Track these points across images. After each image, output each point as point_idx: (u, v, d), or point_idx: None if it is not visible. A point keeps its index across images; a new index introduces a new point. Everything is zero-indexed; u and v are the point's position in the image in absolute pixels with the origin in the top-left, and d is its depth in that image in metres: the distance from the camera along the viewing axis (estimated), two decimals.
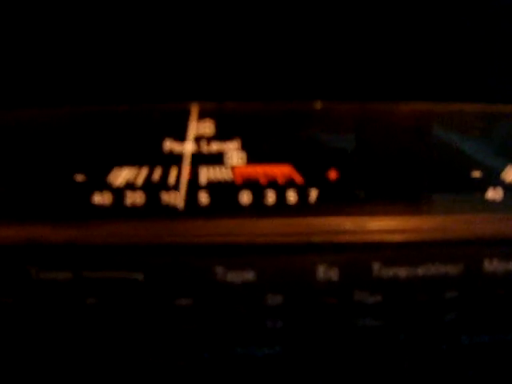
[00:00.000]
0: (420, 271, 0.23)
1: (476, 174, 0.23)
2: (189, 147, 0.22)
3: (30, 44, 0.20)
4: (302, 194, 0.23)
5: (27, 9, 0.20)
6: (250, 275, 0.22)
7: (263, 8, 0.20)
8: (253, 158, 0.22)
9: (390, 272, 0.23)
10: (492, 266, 0.23)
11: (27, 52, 0.21)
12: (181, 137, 0.22)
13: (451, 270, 0.23)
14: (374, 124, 0.22)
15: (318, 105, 0.22)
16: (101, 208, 0.23)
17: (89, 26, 0.20)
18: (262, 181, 0.22)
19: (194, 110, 0.22)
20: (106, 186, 0.23)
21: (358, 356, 0.23)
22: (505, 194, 0.23)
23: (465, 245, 0.23)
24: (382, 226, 0.23)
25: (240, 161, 0.22)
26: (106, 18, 0.20)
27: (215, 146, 0.22)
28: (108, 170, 0.22)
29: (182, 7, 0.20)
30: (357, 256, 0.22)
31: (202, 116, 0.22)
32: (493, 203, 0.23)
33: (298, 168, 0.22)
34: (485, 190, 0.23)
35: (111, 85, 0.21)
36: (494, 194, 0.23)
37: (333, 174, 0.22)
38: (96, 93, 0.21)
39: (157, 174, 0.22)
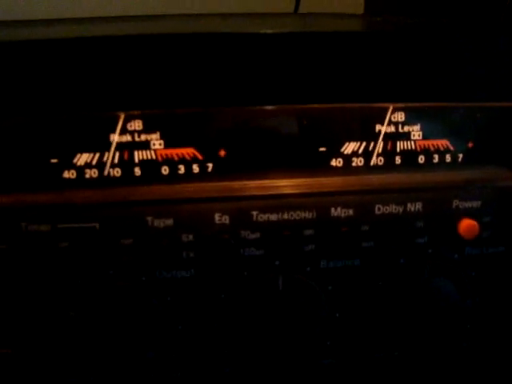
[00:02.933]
0: (285, 216, 0.32)
1: (322, 148, 0.33)
2: (125, 138, 0.31)
3: None
4: (202, 166, 0.31)
5: None
6: (170, 221, 0.31)
7: None
8: (168, 144, 0.31)
9: (264, 217, 0.32)
10: (336, 212, 0.33)
11: None
12: (120, 131, 0.30)
13: (308, 215, 0.33)
14: (249, 122, 0.32)
15: (213, 110, 0.31)
16: (68, 180, 0.31)
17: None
18: (175, 158, 0.31)
19: (128, 115, 0.30)
20: (71, 166, 0.31)
21: (242, 276, 0.33)
22: (343, 162, 0.34)
23: (316, 197, 0.33)
24: (257, 184, 0.32)
25: (160, 146, 0.31)
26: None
27: (143, 137, 0.31)
28: (73, 155, 0.31)
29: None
30: (239, 207, 0.32)
31: (134, 118, 0.31)
32: (335, 168, 0.33)
33: (199, 149, 0.31)
34: (330, 160, 0.33)
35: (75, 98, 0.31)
36: (335, 162, 0.33)
37: (222, 152, 0.32)
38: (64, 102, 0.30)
39: (105, 157, 0.31)
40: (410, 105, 0.32)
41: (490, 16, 0.50)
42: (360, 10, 0.69)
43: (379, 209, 0.33)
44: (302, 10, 0.71)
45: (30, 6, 0.69)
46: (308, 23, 0.52)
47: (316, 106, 0.31)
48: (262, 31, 0.29)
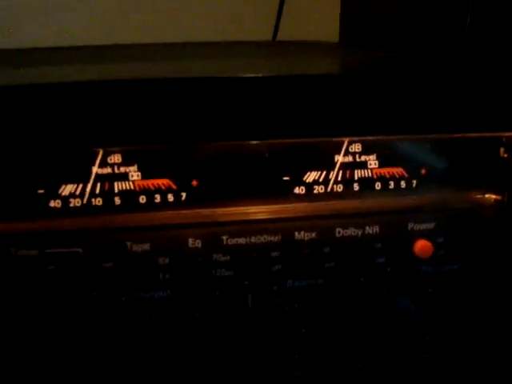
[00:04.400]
0: (253, 239, 0.35)
1: (286, 177, 0.36)
2: (106, 170, 0.33)
3: None
4: (177, 196, 0.34)
5: None
6: (147, 246, 0.34)
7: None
8: (145, 175, 0.34)
9: (234, 241, 0.35)
10: (300, 235, 0.36)
11: None
12: (100, 164, 0.33)
13: (274, 238, 0.36)
14: (219, 155, 0.35)
15: (186, 145, 0.34)
16: (54, 209, 0.33)
17: None
18: (152, 188, 0.34)
19: (108, 150, 0.33)
20: (57, 196, 0.33)
21: (214, 295, 0.35)
22: (306, 189, 0.37)
23: (281, 222, 0.36)
24: (227, 211, 0.35)
25: (137, 177, 0.34)
26: None
27: (122, 169, 0.33)
28: (59, 186, 0.33)
29: None
30: (210, 232, 0.35)
31: (114, 152, 0.33)
32: (298, 195, 0.36)
33: (173, 180, 0.34)
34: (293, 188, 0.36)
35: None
36: (298, 190, 0.36)
37: (195, 183, 0.35)
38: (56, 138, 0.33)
39: (88, 187, 0.33)
40: (363, 138, 0.35)
41: (450, 46, 0.54)
42: (335, 39, 0.73)
43: (339, 232, 0.36)
44: (280, 36, 0.74)
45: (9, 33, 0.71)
46: (282, 54, 0.55)
47: (280, 140, 0.35)
48: (234, 75, 0.32)
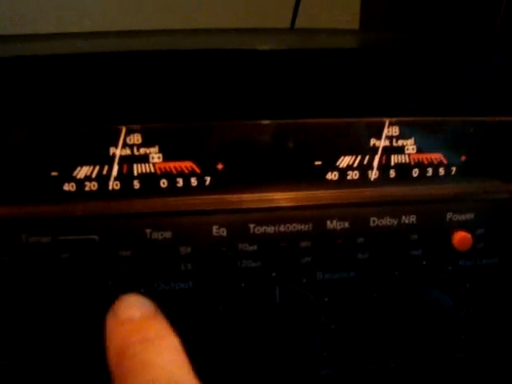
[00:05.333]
0: (282, 228, 0.33)
1: (318, 162, 0.34)
2: (125, 151, 0.31)
3: None
4: (200, 180, 0.32)
5: None
6: (168, 234, 0.32)
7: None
8: (167, 157, 0.32)
9: (261, 229, 0.33)
10: (332, 224, 0.34)
11: None
12: (120, 145, 0.31)
13: (304, 227, 0.33)
14: (247, 136, 0.33)
15: (212, 124, 0.32)
16: (68, 193, 0.31)
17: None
18: (174, 171, 0.32)
19: (127, 129, 0.31)
20: (71, 179, 0.31)
21: (240, 288, 0.33)
22: (339, 175, 0.34)
23: (312, 209, 0.33)
24: (254, 197, 0.32)
25: (158, 159, 0.32)
26: None
27: (142, 150, 0.31)
28: (73, 168, 0.31)
29: None
30: (236, 219, 0.32)
31: (133, 132, 0.31)
32: (331, 181, 0.34)
33: (197, 163, 0.32)
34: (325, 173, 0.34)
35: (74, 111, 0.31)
36: (331, 175, 0.34)
37: (220, 166, 0.32)
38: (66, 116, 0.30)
39: (105, 170, 0.31)
40: (404, 119, 0.33)
41: (483, 31, 0.51)
42: (355, 26, 0.70)
43: (374, 221, 0.34)
44: (298, 25, 0.72)
45: (32, 20, 0.70)
46: (305, 39, 0.53)
47: (312, 120, 0.32)
48: (261, 48, 0.30)
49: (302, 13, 0.72)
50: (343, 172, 0.34)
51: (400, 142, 0.34)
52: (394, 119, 0.33)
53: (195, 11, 0.75)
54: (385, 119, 0.33)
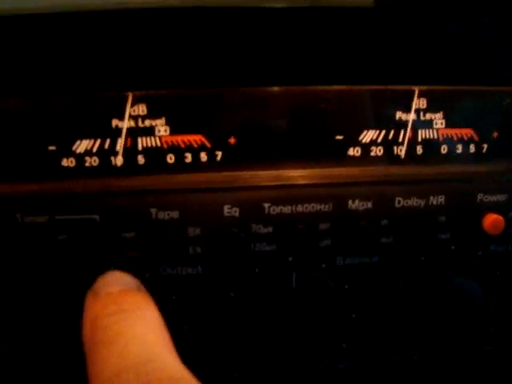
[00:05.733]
0: (300, 208, 0.30)
1: (339, 137, 0.31)
2: (128, 123, 0.29)
3: None
4: (211, 155, 0.30)
5: None
6: (175, 214, 0.29)
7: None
8: (174, 130, 0.29)
9: (277, 209, 0.30)
10: (354, 204, 0.32)
11: None
12: (123, 116, 0.29)
13: (323, 207, 0.31)
14: (262, 106, 0.30)
15: (224, 90, 0.29)
16: (67, 169, 0.29)
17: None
18: (182, 146, 0.29)
19: (131, 97, 0.29)
20: (71, 153, 0.29)
21: (253, 273, 0.31)
22: (362, 151, 0.32)
23: (332, 188, 0.30)
24: (269, 175, 0.30)
25: (165, 132, 0.29)
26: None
27: (148, 122, 0.29)
28: (72, 142, 0.29)
29: None
30: (250, 198, 0.30)
31: (138, 101, 0.29)
32: (353, 158, 0.31)
33: (207, 136, 0.30)
34: (347, 149, 0.31)
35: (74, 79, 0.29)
36: (353, 151, 0.31)
37: (232, 140, 0.30)
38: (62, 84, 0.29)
39: (107, 144, 0.29)
40: (434, 88, 0.30)
41: None
42: (369, 3, 0.67)
43: (399, 202, 0.31)
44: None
45: None
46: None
47: (333, 88, 0.29)
48: (277, 5, 0.27)
49: None
50: (366, 148, 0.31)
51: (428, 116, 0.31)
52: (423, 87, 0.30)
53: None
54: (414, 87, 0.30)
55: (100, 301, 0.21)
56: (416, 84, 0.30)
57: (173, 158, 0.30)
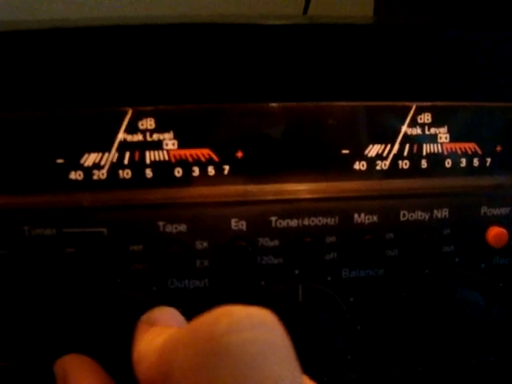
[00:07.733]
0: (306, 222, 0.31)
1: (345, 151, 0.31)
2: (136, 137, 0.29)
3: None
4: (218, 168, 0.30)
5: None
6: (183, 227, 0.29)
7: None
8: (182, 144, 0.29)
9: (284, 223, 0.30)
10: (359, 218, 0.32)
11: None
12: (130, 130, 0.29)
13: (329, 221, 0.31)
14: (269, 121, 0.30)
15: (231, 106, 0.30)
16: (75, 182, 0.29)
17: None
18: (189, 159, 0.30)
19: (139, 111, 0.29)
20: (78, 167, 0.29)
21: (259, 286, 0.31)
22: (367, 165, 0.32)
23: (339, 202, 0.31)
24: (277, 188, 0.30)
25: (173, 146, 0.29)
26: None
27: (155, 136, 0.29)
28: (80, 155, 0.29)
29: None
30: (256, 212, 0.30)
31: (146, 116, 0.29)
32: (359, 172, 0.31)
33: (215, 150, 0.30)
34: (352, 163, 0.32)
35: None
36: (359, 165, 0.32)
37: (239, 154, 0.30)
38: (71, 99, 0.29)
39: (115, 157, 0.29)
40: (436, 104, 0.30)
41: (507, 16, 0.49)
42: (369, 13, 0.68)
43: (404, 215, 0.31)
44: (310, 13, 0.69)
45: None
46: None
47: (340, 104, 0.30)
48: (282, 22, 0.27)
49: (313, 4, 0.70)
50: (372, 161, 0.31)
51: (432, 130, 0.32)
52: (426, 104, 0.30)
53: None
54: (416, 103, 0.30)
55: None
56: (419, 100, 0.30)
57: (180, 171, 0.30)
